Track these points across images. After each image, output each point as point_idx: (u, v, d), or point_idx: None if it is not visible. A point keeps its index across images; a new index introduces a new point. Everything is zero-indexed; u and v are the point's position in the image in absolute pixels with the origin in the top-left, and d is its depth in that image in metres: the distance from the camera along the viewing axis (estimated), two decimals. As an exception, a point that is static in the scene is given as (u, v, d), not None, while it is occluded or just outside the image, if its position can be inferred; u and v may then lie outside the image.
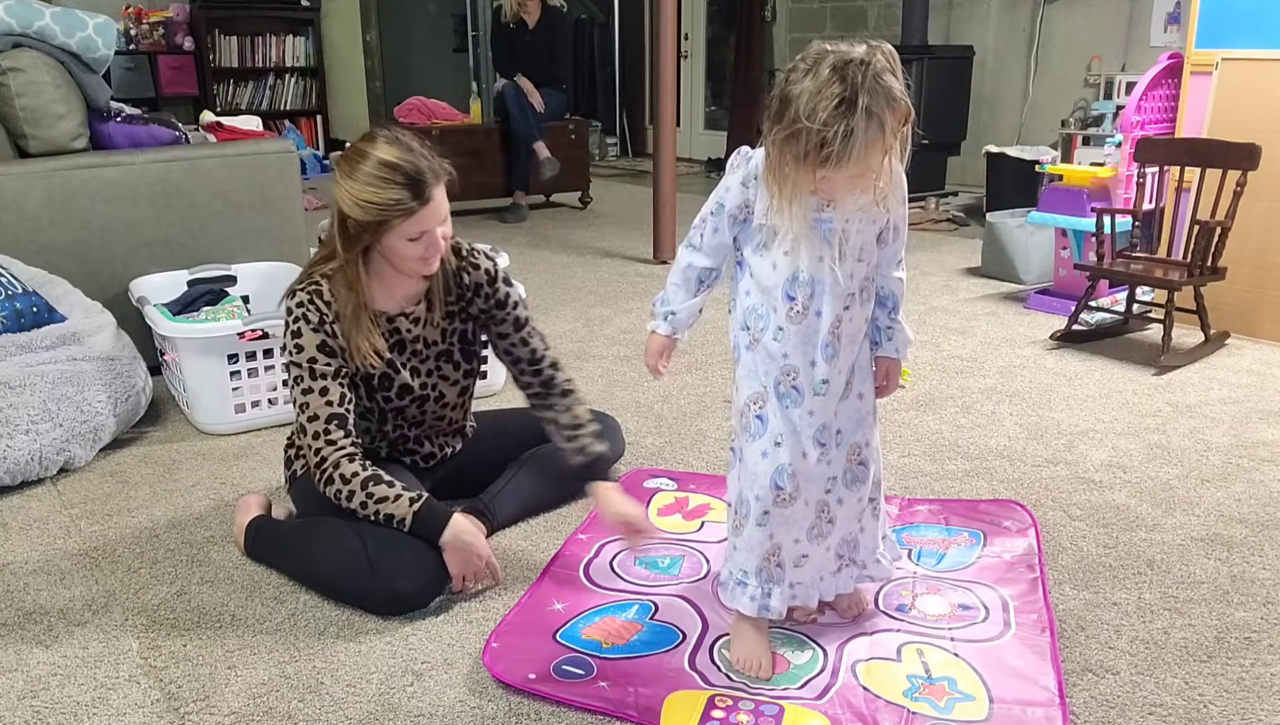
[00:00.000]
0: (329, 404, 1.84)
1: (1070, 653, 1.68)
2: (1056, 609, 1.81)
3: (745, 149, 1.58)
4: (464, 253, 1.99)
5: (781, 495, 1.58)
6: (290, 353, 1.86)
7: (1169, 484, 2.33)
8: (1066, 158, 5.06)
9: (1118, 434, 2.63)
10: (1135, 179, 3.41)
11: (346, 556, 1.81)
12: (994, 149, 5.39)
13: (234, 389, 2.64)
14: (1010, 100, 6.26)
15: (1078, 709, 1.54)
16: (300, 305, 1.85)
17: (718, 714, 1.53)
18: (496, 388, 2.93)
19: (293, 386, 1.87)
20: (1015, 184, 5.18)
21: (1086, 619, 1.79)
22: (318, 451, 1.83)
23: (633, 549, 1.99)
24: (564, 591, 1.88)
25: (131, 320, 2.81)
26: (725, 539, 1.73)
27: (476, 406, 2.25)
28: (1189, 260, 3.19)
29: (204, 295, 2.93)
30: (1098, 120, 5.20)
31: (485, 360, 2.56)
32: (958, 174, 6.28)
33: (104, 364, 2.53)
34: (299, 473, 2.01)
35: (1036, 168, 4.51)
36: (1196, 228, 3.16)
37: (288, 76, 7.93)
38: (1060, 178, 3.88)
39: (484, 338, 2.08)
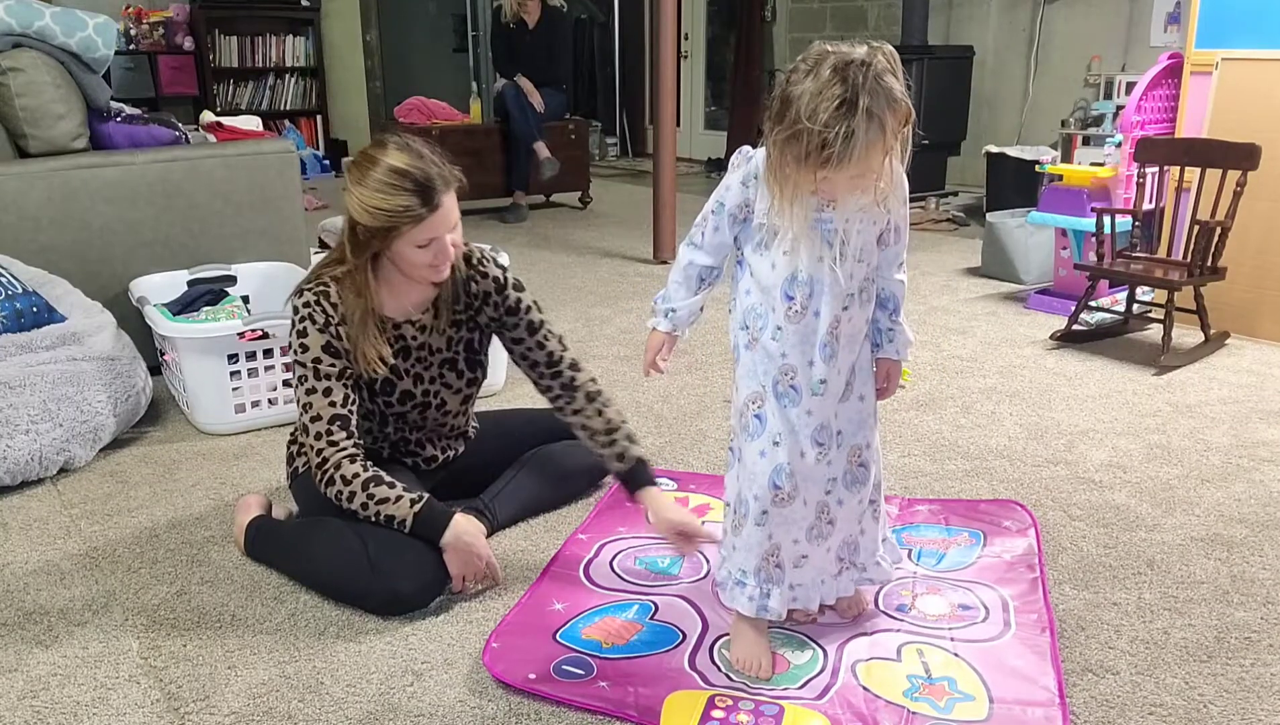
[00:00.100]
0: (332, 405, 1.84)
1: (1070, 653, 1.68)
2: (1056, 609, 1.81)
3: (746, 148, 1.58)
4: (475, 261, 1.98)
5: (780, 495, 1.58)
6: (295, 352, 1.86)
7: (1169, 484, 2.33)
8: (1066, 158, 5.06)
9: (1118, 434, 2.63)
10: (1135, 179, 3.41)
11: (347, 557, 1.81)
12: (994, 149, 5.39)
13: (234, 389, 2.64)
14: (1010, 100, 6.27)
15: (1078, 709, 1.54)
16: (307, 305, 1.85)
17: (718, 714, 1.53)
18: (497, 387, 2.93)
19: (296, 386, 1.87)
20: (1015, 184, 5.18)
21: (1086, 619, 1.79)
22: (319, 452, 1.83)
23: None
24: (564, 591, 1.88)
25: (131, 320, 2.81)
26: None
27: (477, 406, 2.25)
28: (1189, 260, 3.19)
29: (204, 295, 2.93)
30: (1098, 120, 5.20)
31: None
32: (958, 174, 6.28)
33: (104, 364, 2.53)
34: (300, 469, 2.01)
35: (1036, 168, 4.51)
36: (1196, 228, 3.16)
37: (288, 76, 7.92)
38: (1060, 178, 3.88)
39: (491, 346, 2.07)
